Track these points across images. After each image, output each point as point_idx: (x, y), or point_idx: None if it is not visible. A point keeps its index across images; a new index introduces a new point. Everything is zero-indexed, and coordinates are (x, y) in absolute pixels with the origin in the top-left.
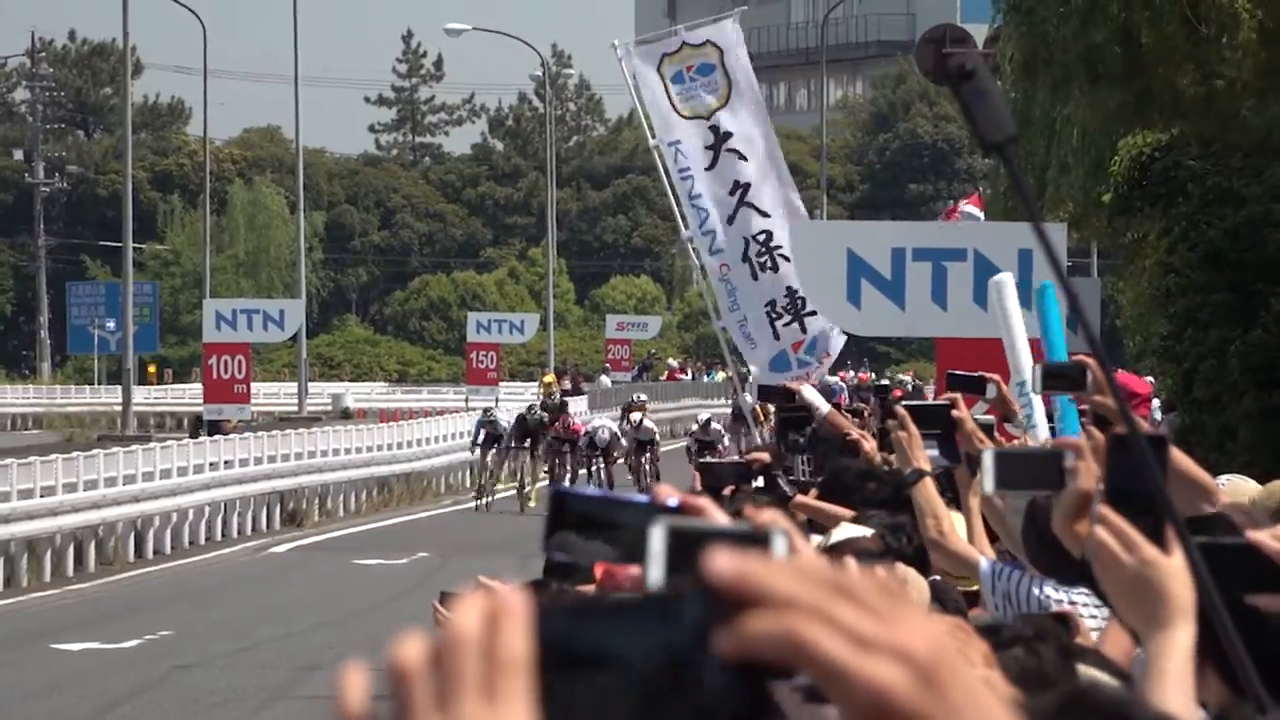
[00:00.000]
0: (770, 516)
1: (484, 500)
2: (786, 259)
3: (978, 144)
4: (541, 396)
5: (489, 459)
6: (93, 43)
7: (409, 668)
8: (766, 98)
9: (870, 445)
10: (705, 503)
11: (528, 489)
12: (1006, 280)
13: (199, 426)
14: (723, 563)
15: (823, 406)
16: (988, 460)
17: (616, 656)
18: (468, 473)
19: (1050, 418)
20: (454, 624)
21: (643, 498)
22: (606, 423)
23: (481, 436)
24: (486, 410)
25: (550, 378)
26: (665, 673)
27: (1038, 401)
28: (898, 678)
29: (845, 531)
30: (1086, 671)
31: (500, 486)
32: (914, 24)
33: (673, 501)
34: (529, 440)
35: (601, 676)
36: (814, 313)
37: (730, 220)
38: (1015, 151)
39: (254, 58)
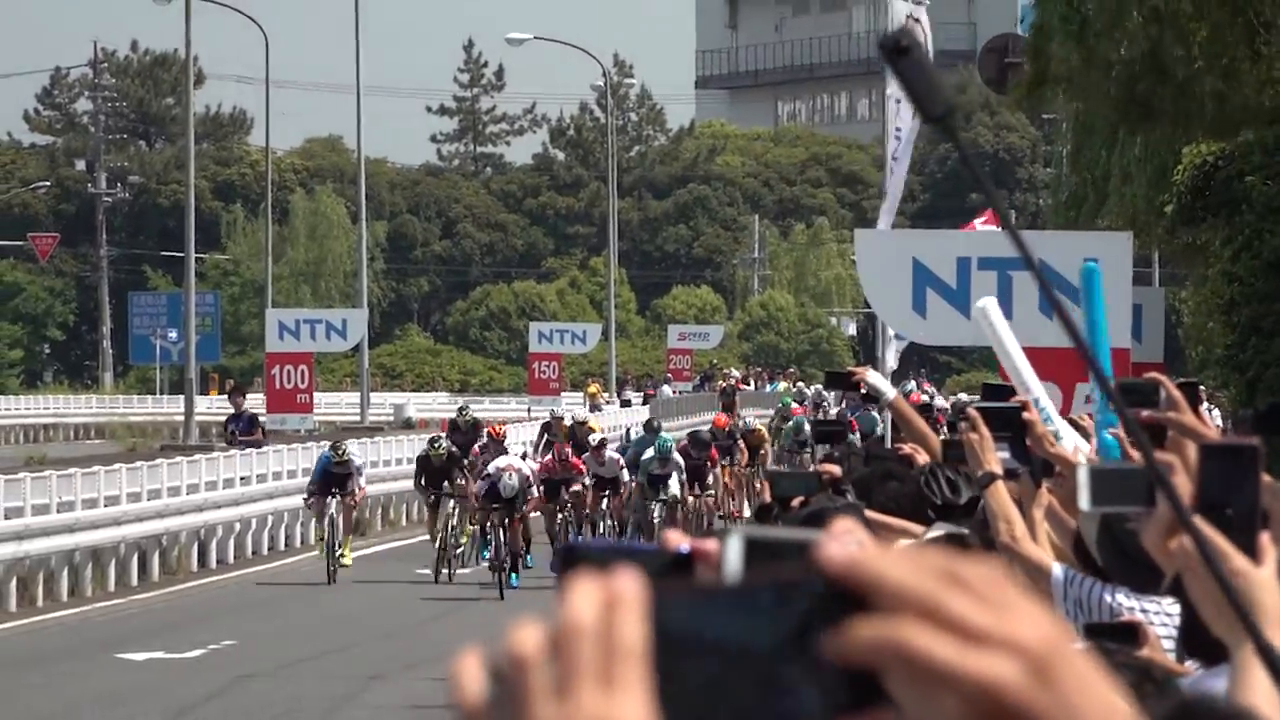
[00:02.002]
0: (845, 526)
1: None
2: None
3: (919, 117)
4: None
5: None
6: (155, 53)
7: (526, 656)
8: (828, 107)
9: (924, 458)
10: (713, 545)
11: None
12: (990, 304)
13: (230, 437)
14: (835, 550)
15: (889, 392)
16: (1083, 476)
17: (731, 643)
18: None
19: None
20: (570, 611)
21: (652, 546)
22: (515, 464)
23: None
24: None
25: (595, 387)
26: (779, 659)
27: (1056, 415)
28: (1009, 672)
29: (938, 531)
30: None
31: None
32: (975, 34)
33: (684, 548)
34: (443, 482)
35: (716, 662)
36: None
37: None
38: (953, 125)
39: (316, 68)
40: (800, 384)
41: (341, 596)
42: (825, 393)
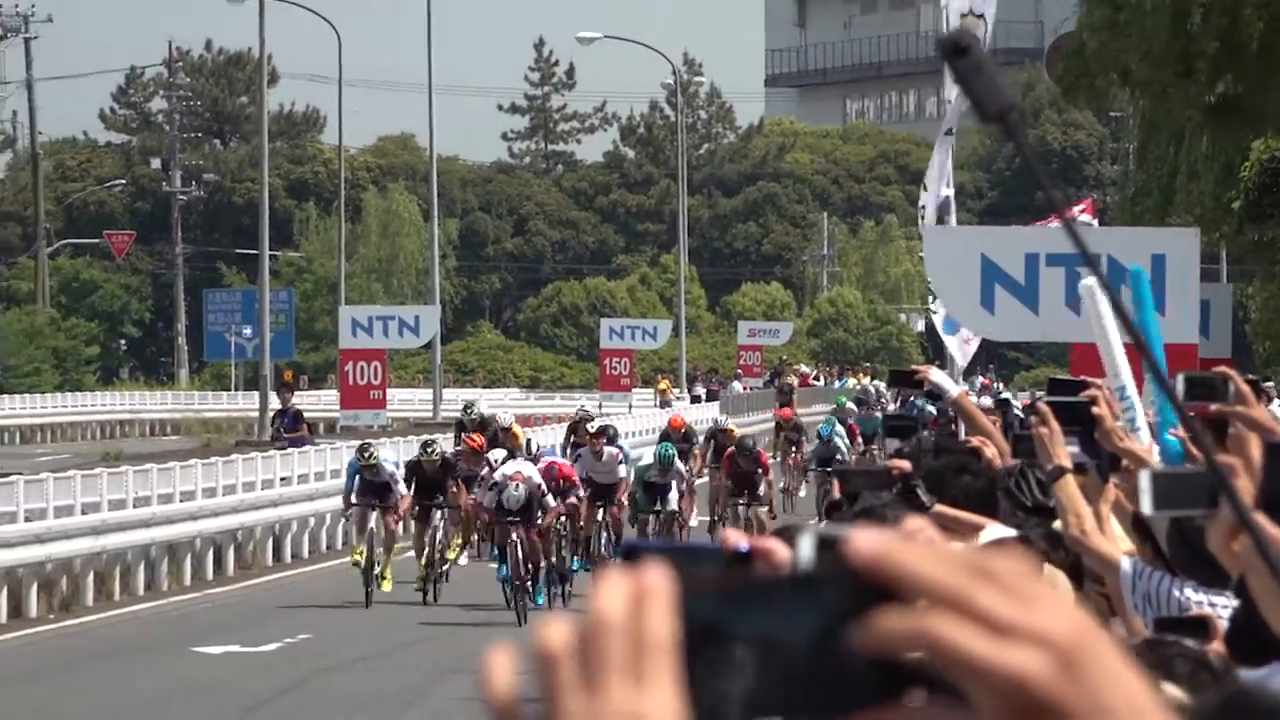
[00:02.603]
0: (918, 523)
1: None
2: None
3: (976, 116)
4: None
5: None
6: (229, 52)
7: (554, 651)
8: (896, 105)
9: (992, 451)
10: (775, 544)
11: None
12: (1095, 285)
13: (276, 433)
14: (863, 543)
15: (951, 389)
16: (1144, 481)
17: (759, 636)
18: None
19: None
20: (599, 606)
21: (714, 545)
22: (524, 470)
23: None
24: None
25: (665, 382)
26: (807, 652)
27: (1140, 406)
28: (1037, 664)
29: (993, 533)
30: None
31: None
32: (1042, 31)
33: (743, 546)
34: (436, 492)
35: (745, 655)
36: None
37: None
38: (1018, 121)
39: (388, 66)
40: (877, 381)
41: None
42: (885, 390)
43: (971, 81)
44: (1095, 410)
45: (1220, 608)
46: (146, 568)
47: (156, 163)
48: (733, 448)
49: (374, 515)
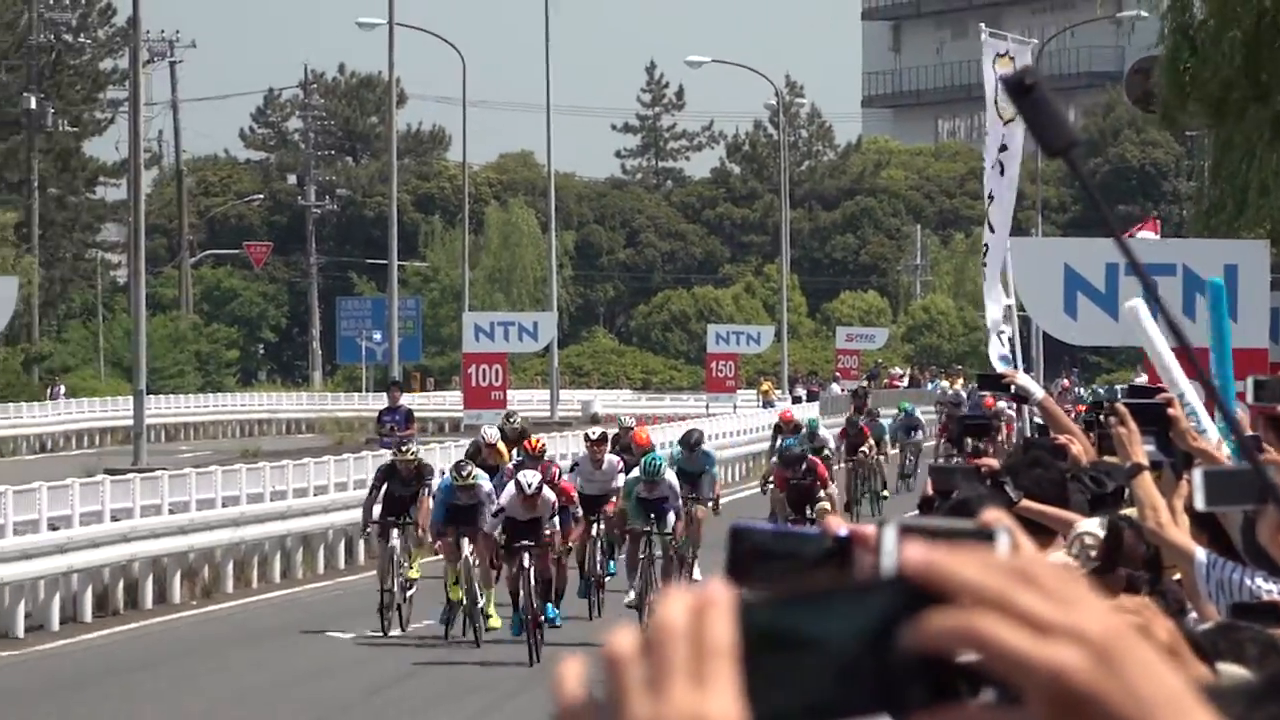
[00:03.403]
0: (995, 515)
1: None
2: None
3: (1042, 150)
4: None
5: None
6: (360, 75)
7: (622, 656)
8: (984, 125)
9: (1078, 448)
10: (871, 530)
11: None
12: (1139, 304)
13: (385, 430)
14: (914, 553)
15: (1037, 393)
16: (1198, 477)
17: (814, 640)
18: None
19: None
20: (663, 615)
21: (814, 531)
22: (533, 480)
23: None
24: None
25: (767, 385)
26: (859, 655)
27: (1200, 408)
28: (1075, 659)
29: (1086, 526)
30: None
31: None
32: (1123, 56)
33: (843, 532)
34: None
35: (801, 658)
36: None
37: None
38: (1079, 157)
39: (509, 88)
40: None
41: None
42: (961, 393)
43: (1036, 118)
44: (1170, 412)
45: None
46: (282, 557)
47: (292, 178)
48: (776, 463)
49: (466, 544)
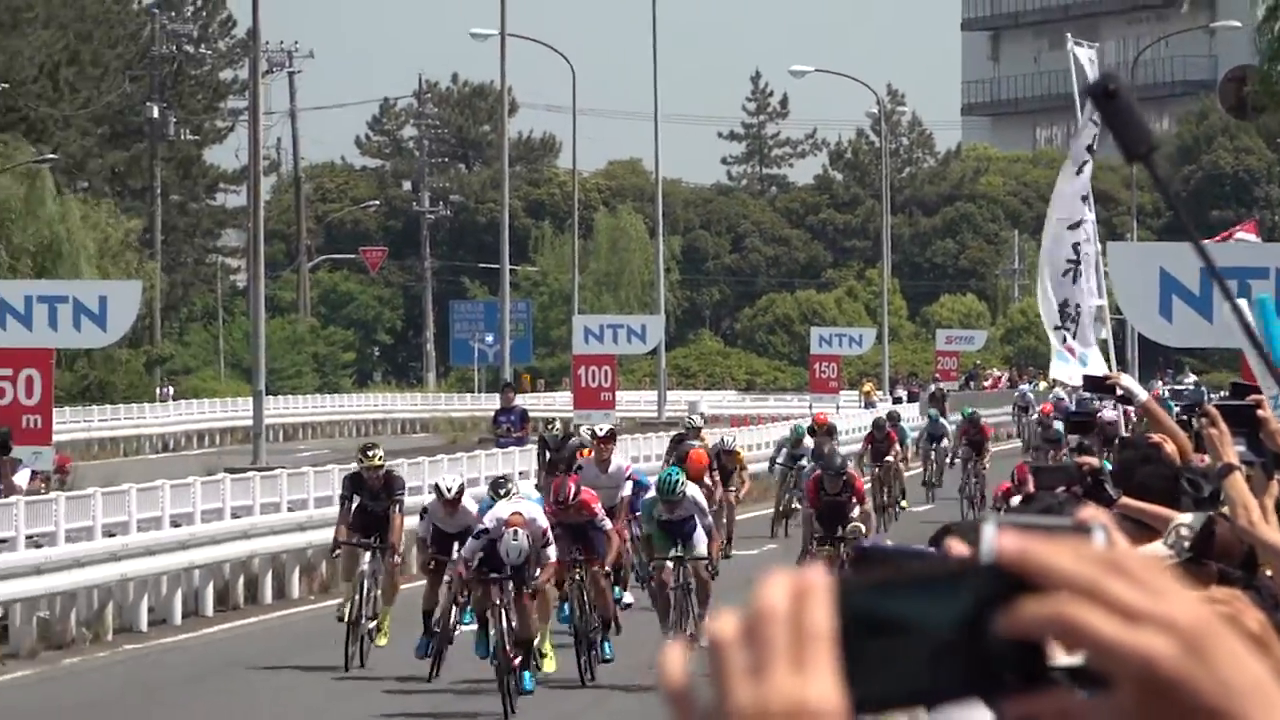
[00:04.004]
0: (1091, 512)
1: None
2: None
3: (1123, 155)
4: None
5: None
6: (473, 84)
7: (725, 641)
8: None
9: (1171, 447)
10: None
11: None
12: (1243, 307)
13: (501, 430)
14: (1008, 542)
15: (1141, 394)
16: None
17: (910, 624)
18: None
19: None
20: (764, 601)
21: (939, 552)
22: (527, 512)
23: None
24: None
25: (869, 385)
26: (954, 641)
27: None
28: (1164, 647)
29: (1181, 519)
30: None
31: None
32: (1216, 65)
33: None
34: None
35: (897, 643)
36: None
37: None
38: (1155, 163)
39: (617, 97)
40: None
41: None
42: (1030, 395)
43: (1118, 123)
44: (1260, 413)
45: None
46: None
47: (407, 185)
48: (818, 470)
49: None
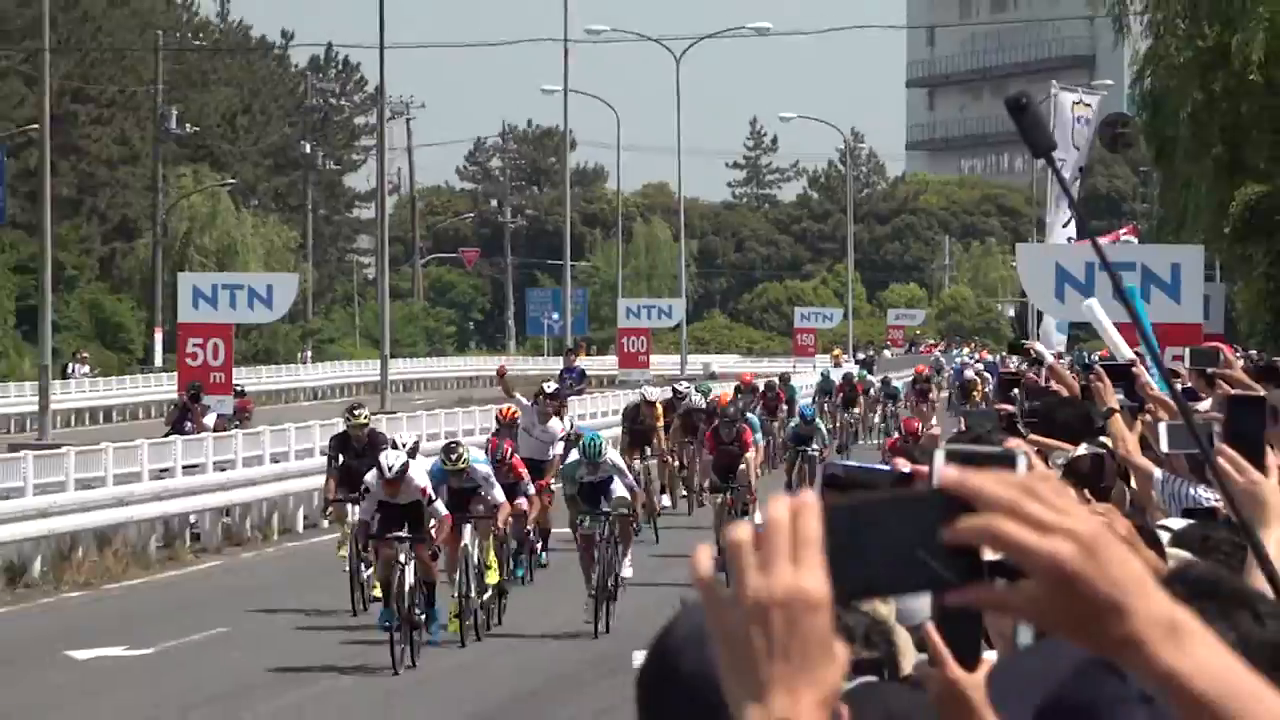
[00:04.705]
0: (1016, 443)
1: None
2: None
3: (1031, 152)
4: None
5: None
6: (542, 127)
7: (741, 544)
8: (994, 163)
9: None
10: (924, 467)
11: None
12: (1094, 303)
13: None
14: (950, 473)
15: (1048, 357)
16: (1162, 429)
17: (878, 536)
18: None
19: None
20: (770, 514)
21: (885, 468)
22: (417, 466)
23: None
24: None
25: (838, 350)
26: (911, 548)
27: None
28: (1068, 551)
29: (1079, 451)
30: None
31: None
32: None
33: (906, 469)
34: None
35: (867, 549)
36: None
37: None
38: (1053, 160)
39: (651, 135)
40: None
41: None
42: (942, 360)
43: (1028, 128)
44: (1134, 370)
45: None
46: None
47: (494, 202)
48: (716, 421)
49: (467, 531)
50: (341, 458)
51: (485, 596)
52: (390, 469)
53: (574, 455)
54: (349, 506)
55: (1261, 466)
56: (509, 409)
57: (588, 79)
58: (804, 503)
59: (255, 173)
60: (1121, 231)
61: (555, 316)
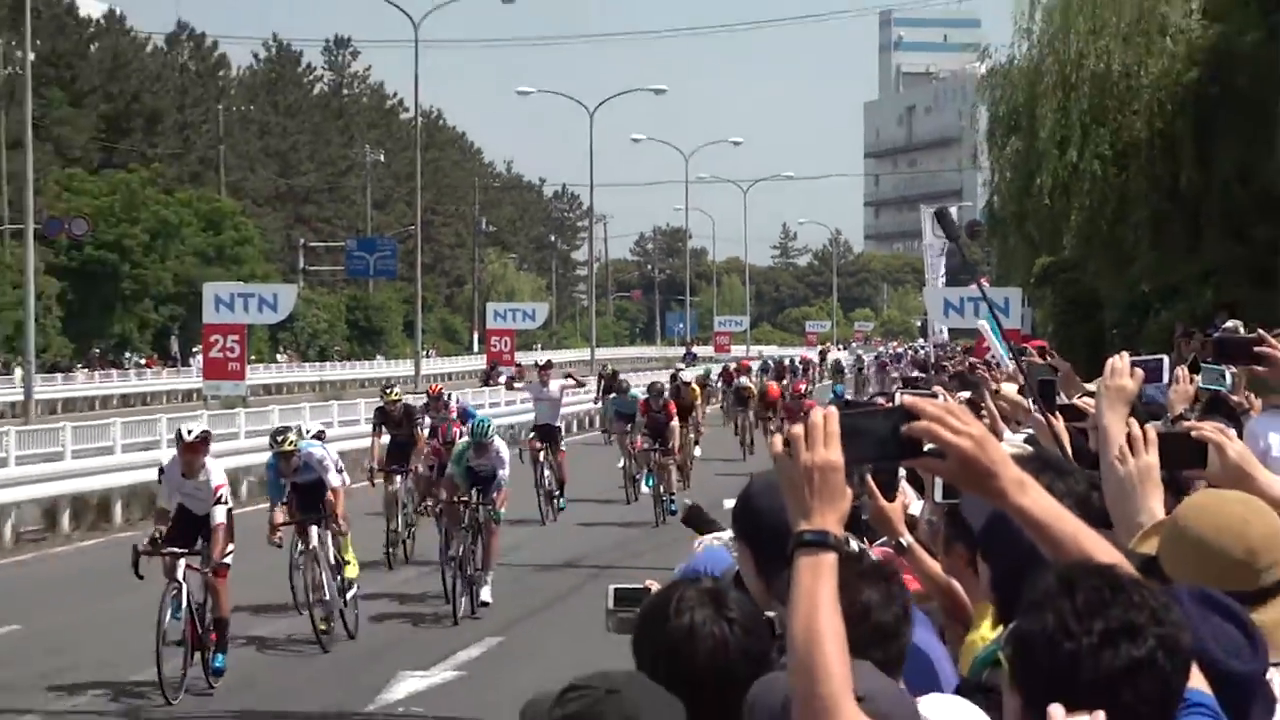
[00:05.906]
0: (937, 389)
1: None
2: None
3: (948, 239)
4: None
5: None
6: (673, 226)
7: (796, 435)
8: (912, 245)
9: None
10: (909, 399)
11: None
12: (983, 323)
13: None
14: (909, 399)
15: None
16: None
17: (869, 431)
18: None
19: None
20: (812, 418)
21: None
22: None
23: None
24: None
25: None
26: (887, 437)
27: (1008, 364)
28: (968, 444)
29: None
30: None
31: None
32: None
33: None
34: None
35: (863, 438)
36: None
37: None
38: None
39: (731, 229)
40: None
41: None
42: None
43: (946, 225)
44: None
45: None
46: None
47: (649, 266)
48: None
49: (313, 533)
50: (385, 431)
51: (350, 594)
52: (188, 434)
53: (464, 440)
54: (395, 477)
55: (1053, 411)
56: (435, 385)
57: (695, 198)
58: (830, 412)
59: (525, 251)
60: (982, 279)
61: (680, 326)
